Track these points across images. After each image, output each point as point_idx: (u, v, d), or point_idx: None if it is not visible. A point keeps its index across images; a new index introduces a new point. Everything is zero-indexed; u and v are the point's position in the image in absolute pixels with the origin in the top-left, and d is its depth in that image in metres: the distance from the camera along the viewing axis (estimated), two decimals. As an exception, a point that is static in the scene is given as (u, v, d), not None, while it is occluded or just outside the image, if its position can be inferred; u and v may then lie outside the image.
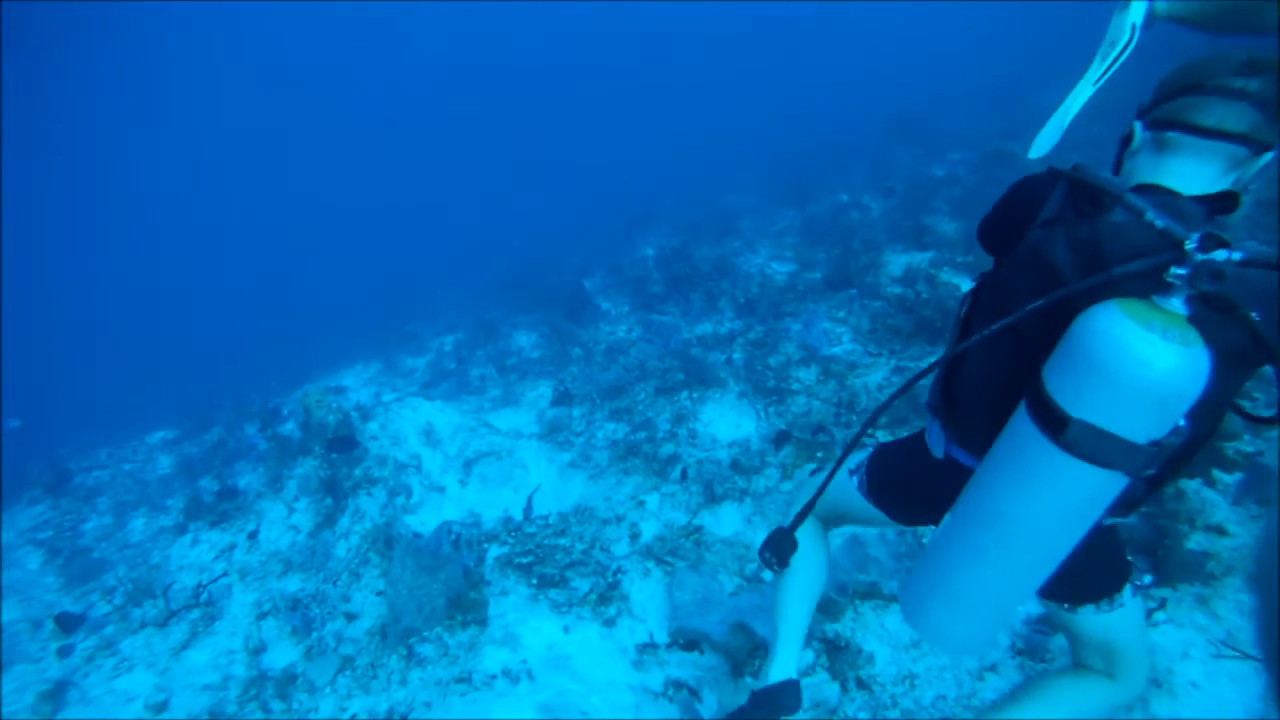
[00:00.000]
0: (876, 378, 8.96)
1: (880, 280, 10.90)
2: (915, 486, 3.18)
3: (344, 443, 8.64)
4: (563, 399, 10.31)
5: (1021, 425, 2.06)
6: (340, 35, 62.20)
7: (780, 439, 8.54)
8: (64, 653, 7.46)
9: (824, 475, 3.42)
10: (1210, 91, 2.01)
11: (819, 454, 8.17)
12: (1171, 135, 2.12)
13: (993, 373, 2.42)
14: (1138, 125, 2.27)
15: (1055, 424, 1.92)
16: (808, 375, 9.48)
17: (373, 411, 9.53)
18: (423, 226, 33.47)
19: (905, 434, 3.41)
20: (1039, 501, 2.07)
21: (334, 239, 37.23)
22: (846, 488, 3.57)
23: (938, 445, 2.84)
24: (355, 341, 16.73)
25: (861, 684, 5.65)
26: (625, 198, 23.27)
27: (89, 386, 22.59)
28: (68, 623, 8.04)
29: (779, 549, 3.66)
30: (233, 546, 8.29)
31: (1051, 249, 2.12)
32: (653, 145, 34.81)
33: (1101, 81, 3.16)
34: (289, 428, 10.76)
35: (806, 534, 3.72)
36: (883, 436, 8.01)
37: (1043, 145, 3.13)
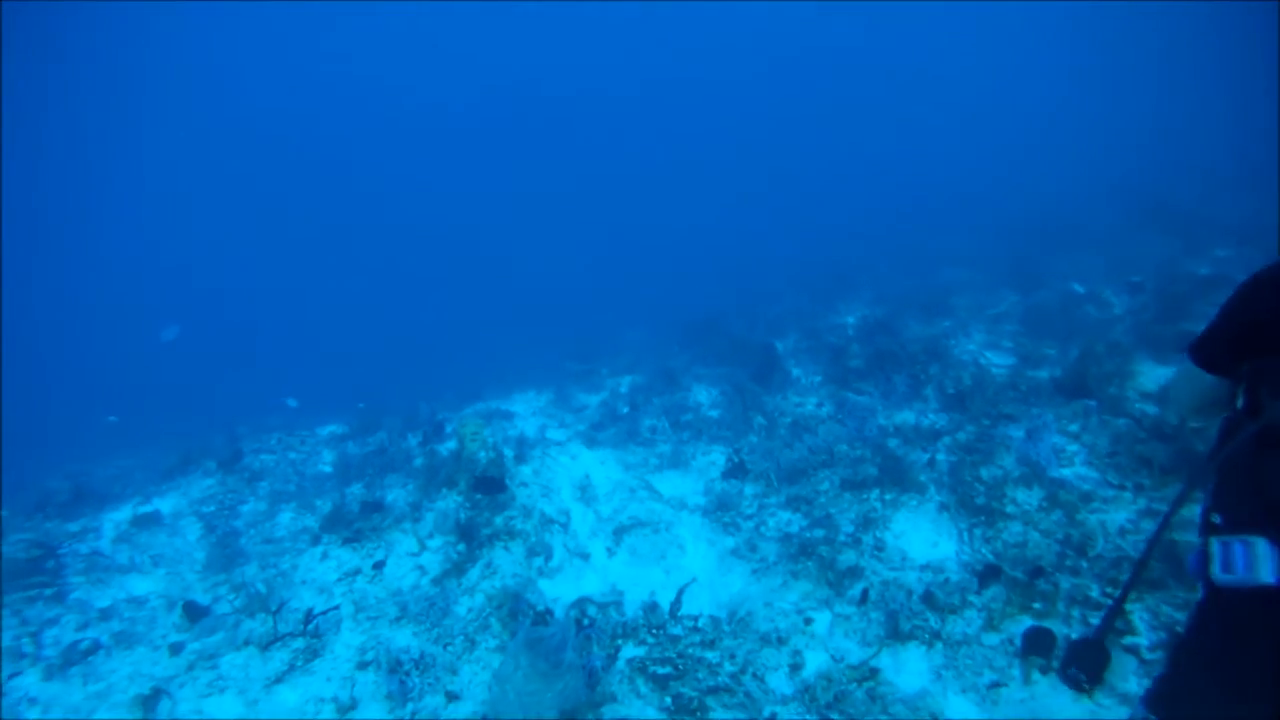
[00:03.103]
0: (1119, 518, 6.90)
1: (1127, 394, 8.74)
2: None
3: (491, 484, 7.61)
4: (736, 472, 8.85)
5: None
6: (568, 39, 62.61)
7: (987, 574, 6.68)
8: (175, 650, 6.81)
9: None
10: None
11: (1036, 605, 6.26)
12: None
13: None
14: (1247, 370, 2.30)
15: None
16: (1027, 498, 7.54)
17: (529, 453, 8.48)
18: (623, 258, 33.06)
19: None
20: None
21: (536, 257, 37.61)
22: None
23: None
24: (536, 361, 16.08)
25: None
26: (831, 253, 21.64)
27: (289, 373, 23.23)
28: (193, 612, 7.47)
29: (1089, 662, 2.64)
30: (357, 572, 7.40)
31: None
32: (867, 201, 32.78)
33: None
34: (447, 447, 9.96)
35: None
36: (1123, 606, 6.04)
37: None
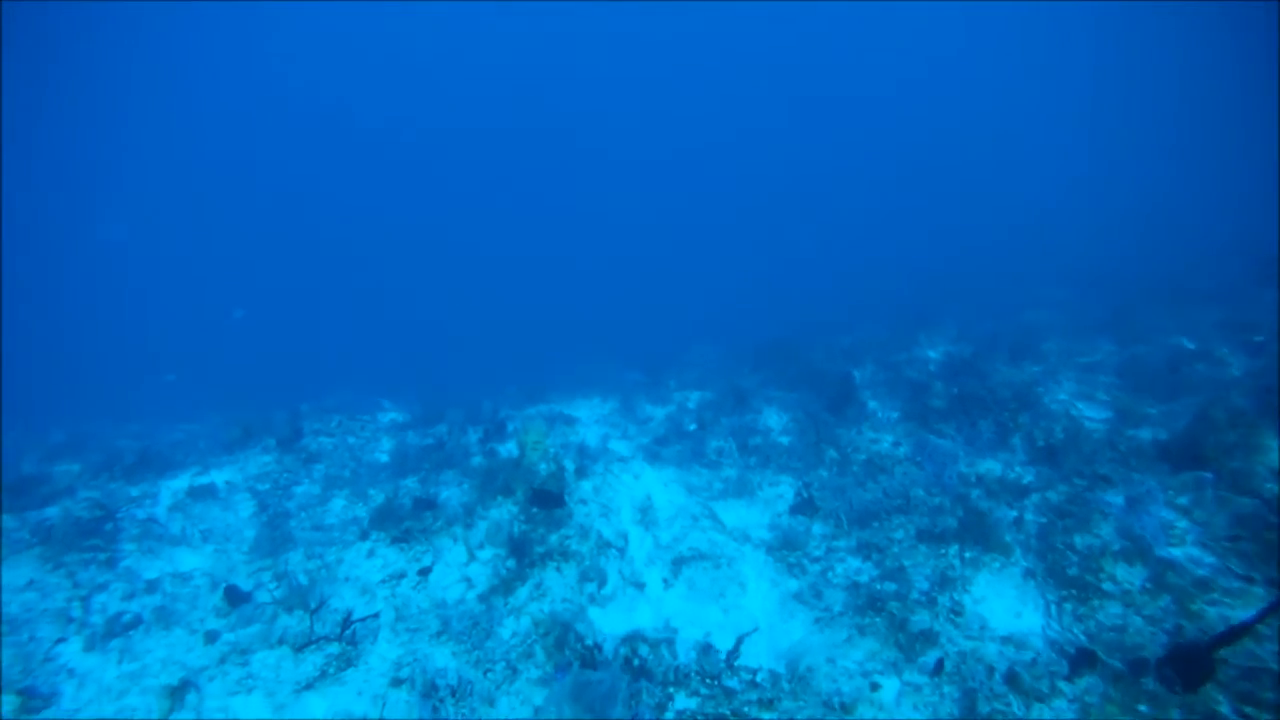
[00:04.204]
0: (1246, 617, 6.03)
1: (1254, 469, 7.75)
2: None
3: (549, 498, 7.12)
4: (804, 507, 8.20)
5: None
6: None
7: (1081, 660, 5.91)
8: (210, 638, 6.48)
9: None
10: None
11: (1142, 707, 5.46)
12: None
13: None
14: None
15: None
16: (1128, 576, 6.72)
17: (591, 467, 7.95)
18: (694, 270, 32.46)
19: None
20: None
21: (605, 261, 37.28)
22: None
23: None
24: (599, 362, 15.66)
25: None
26: (915, 282, 20.69)
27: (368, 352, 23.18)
28: (235, 597, 7.17)
29: (1189, 668, 2.56)
30: (402, 575, 6.97)
31: None
32: (956, 233, 31.52)
33: None
34: (507, 449, 9.52)
35: None
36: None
37: None
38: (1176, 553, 6.84)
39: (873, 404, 10.84)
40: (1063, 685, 5.75)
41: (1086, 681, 5.73)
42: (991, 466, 8.82)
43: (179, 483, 9.65)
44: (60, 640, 6.60)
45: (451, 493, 8.57)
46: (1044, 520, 7.61)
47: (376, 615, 6.34)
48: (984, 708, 5.61)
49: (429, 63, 57.25)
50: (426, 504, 8.18)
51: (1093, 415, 10.04)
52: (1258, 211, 19.43)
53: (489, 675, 5.66)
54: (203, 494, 9.40)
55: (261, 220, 55.79)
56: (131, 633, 6.68)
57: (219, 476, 9.80)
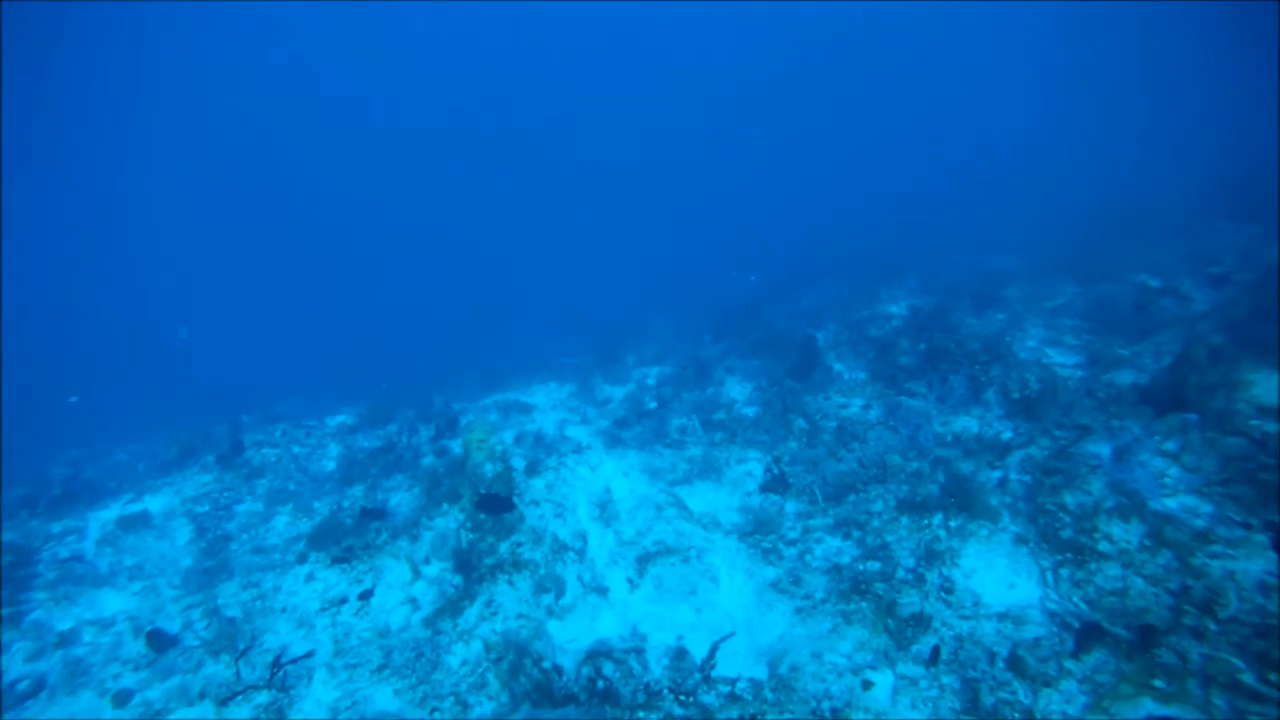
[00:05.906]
0: (1254, 569, 5.37)
1: (1237, 408, 7.11)
2: None
3: (497, 502, 6.27)
4: (775, 484, 7.42)
5: None
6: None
7: (1087, 634, 5.24)
8: (120, 701, 5.58)
9: None
10: None
11: (1158, 682, 4.79)
12: None
13: None
14: None
15: None
16: (1124, 533, 6.05)
17: (543, 462, 7.10)
18: (647, 243, 31.52)
19: None
20: None
21: (562, 244, 36.28)
22: None
23: None
24: (558, 345, 14.79)
25: None
26: (867, 237, 19.97)
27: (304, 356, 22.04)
28: (159, 642, 6.26)
29: None
30: (343, 601, 6.11)
31: None
32: (907, 187, 30.80)
33: None
34: (460, 444, 8.65)
35: None
36: None
37: None
38: (1171, 504, 6.19)
39: (838, 366, 10.07)
40: (1070, 665, 5.09)
41: (1095, 658, 5.09)
42: (968, 424, 8.14)
43: (109, 513, 8.68)
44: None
45: (401, 499, 7.70)
46: (1029, 479, 6.94)
47: (310, 654, 5.47)
48: (988, 699, 4.94)
49: (363, 62, 54.94)
50: (374, 514, 7.31)
51: (1064, 361, 9.39)
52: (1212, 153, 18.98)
53: (435, 715, 4.83)
54: (134, 523, 8.43)
55: (212, 231, 53.30)
56: (29, 703, 5.74)
57: (154, 502, 8.84)
